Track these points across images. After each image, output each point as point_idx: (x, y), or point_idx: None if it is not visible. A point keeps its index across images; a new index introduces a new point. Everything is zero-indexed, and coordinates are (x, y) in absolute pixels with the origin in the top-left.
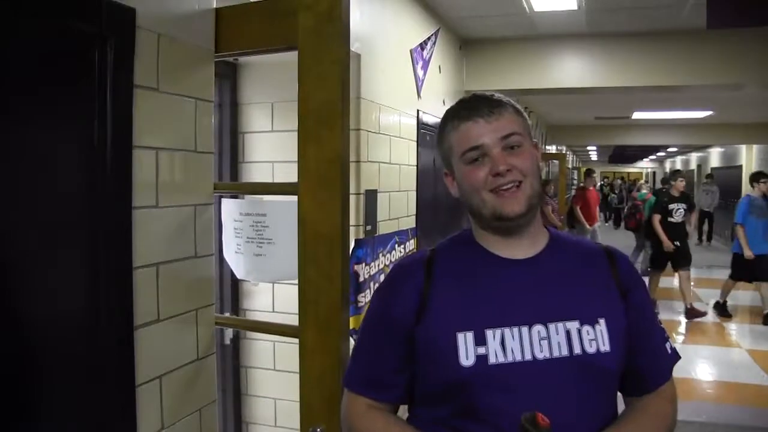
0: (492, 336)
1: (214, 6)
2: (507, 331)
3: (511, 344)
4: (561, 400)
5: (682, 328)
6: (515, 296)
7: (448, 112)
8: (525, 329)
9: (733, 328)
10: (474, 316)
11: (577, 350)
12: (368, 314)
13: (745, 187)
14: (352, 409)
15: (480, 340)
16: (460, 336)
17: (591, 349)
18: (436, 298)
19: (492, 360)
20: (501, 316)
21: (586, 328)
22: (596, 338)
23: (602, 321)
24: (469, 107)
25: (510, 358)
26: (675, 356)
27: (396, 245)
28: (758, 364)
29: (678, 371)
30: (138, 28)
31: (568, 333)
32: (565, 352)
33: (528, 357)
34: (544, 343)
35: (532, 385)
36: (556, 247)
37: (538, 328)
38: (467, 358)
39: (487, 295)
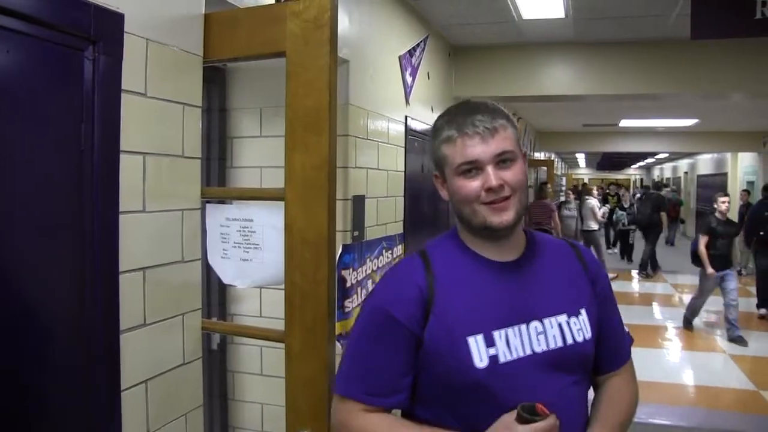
0: (499, 336)
1: (203, 12)
2: (510, 330)
3: (514, 342)
4: (558, 387)
5: (668, 334)
6: (511, 296)
7: (443, 117)
8: (524, 326)
9: (717, 333)
10: (480, 319)
11: (569, 340)
12: (367, 320)
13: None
14: (350, 415)
15: (490, 342)
16: (471, 339)
17: (579, 338)
18: (440, 304)
19: (502, 359)
20: (503, 316)
21: (573, 319)
22: (582, 327)
23: (583, 311)
24: (466, 121)
25: (515, 355)
26: (630, 338)
27: (383, 251)
28: (741, 369)
29: (663, 376)
30: (126, 34)
31: (560, 326)
32: (559, 343)
33: (528, 352)
34: (541, 337)
35: (533, 376)
36: (534, 248)
37: (534, 324)
38: (481, 360)
39: (487, 298)
